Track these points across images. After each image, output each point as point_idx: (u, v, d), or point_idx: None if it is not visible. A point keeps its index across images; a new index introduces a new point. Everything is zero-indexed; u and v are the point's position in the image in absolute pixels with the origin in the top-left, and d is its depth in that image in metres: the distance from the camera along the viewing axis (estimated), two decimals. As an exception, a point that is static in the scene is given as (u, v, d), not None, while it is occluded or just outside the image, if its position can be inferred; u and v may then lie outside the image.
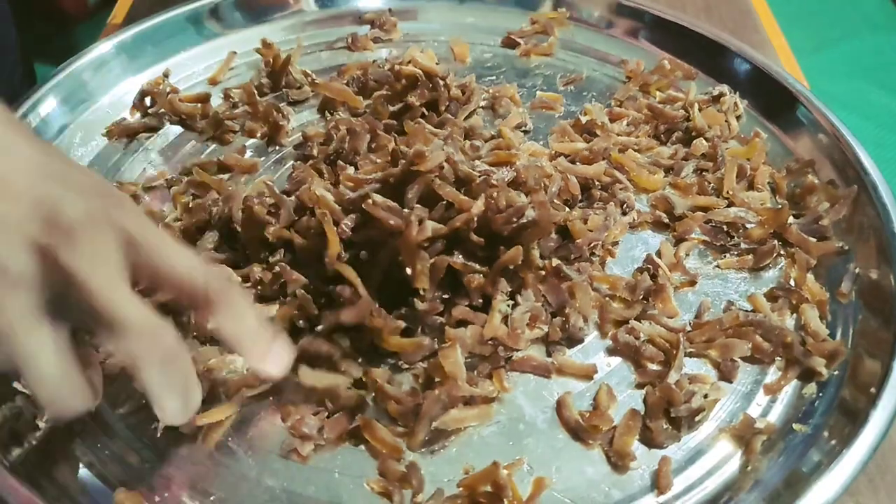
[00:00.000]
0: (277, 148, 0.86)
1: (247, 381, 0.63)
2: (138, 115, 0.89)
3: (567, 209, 0.74)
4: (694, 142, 0.86)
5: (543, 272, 0.69)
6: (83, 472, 0.58)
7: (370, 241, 0.65)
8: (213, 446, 0.60)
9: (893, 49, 1.46)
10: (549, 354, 0.68)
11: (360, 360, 0.64)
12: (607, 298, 0.70)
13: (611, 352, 0.68)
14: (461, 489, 0.58)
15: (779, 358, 0.68)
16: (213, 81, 0.95)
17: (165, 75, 0.92)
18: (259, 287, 0.68)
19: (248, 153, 0.86)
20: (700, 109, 0.89)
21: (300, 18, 1.05)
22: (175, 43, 0.96)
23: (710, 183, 0.82)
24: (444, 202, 0.64)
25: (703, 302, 0.72)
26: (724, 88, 0.92)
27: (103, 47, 0.91)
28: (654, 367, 0.67)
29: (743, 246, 0.77)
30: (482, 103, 0.92)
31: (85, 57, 0.89)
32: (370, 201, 0.62)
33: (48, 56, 0.88)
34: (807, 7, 1.49)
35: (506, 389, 0.64)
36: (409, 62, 0.91)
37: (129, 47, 0.93)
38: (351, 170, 0.72)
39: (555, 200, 0.73)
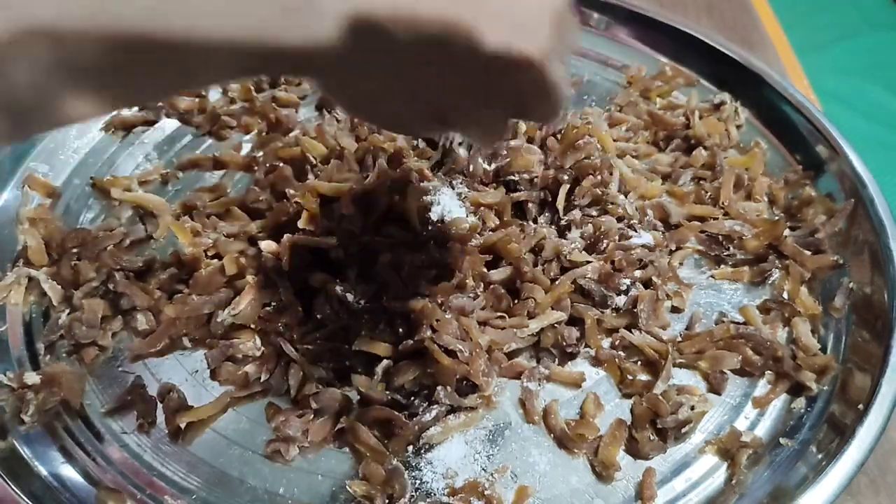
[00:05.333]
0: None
1: (237, 378, 0.63)
2: (135, 108, 0.89)
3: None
4: (693, 152, 0.85)
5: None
6: (66, 468, 0.58)
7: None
8: (195, 445, 0.60)
9: (894, 48, 1.45)
10: (538, 362, 0.67)
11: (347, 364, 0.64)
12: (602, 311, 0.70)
13: (597, 362, 0.68)
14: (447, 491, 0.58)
15: (769, 371, 0.68)
16: (212, 76, 0.94)
17: (164, 69, 0.92)
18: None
19: (245, 149, 0.86)
20: (701, 117, 0.88)
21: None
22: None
23: (707, 192, 0.81)
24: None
25: (695, 313, 0.72)
26: (725, 97, 0.91)
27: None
28: (641, 377, 0.66)
29: (739, 257, 0.76)
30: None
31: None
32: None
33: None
34: (807, 5, 1.48)
35: (492, 403, 0.64)
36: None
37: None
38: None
39: None
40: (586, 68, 1.01)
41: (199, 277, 0.69)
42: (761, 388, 0.67)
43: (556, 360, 0.67)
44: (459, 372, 0.61)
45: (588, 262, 0.71)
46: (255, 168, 0.81)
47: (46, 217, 0.74)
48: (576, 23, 0.45)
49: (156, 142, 0.86)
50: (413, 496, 0.58)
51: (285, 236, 0.69)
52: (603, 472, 0.60)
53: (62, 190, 0.79)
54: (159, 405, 0.62)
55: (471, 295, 0.66)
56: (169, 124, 0.88)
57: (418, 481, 0.59)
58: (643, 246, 0.73)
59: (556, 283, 0.70)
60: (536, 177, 0.77)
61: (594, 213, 0.76)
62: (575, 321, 0.69)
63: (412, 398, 0.62)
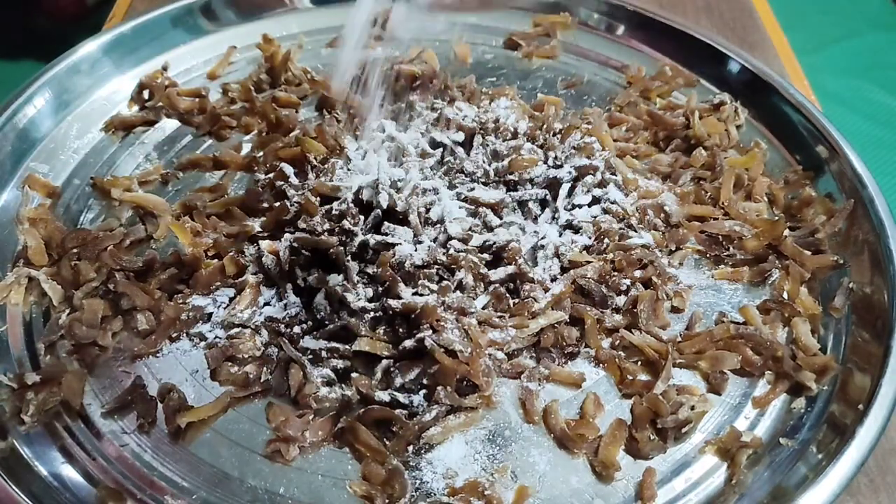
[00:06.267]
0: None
1: (237, 378, 0.63)
2: (136, 108, 0.89)
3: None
4: (693, 152, 0.85)
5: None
6: (66, 468, 0.58)
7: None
8: (195, 445, 0.60)
9: (894, 48, 1.45)
10: (538, 362, 0.67)
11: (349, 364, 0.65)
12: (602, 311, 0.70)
13: (597, 362, 0.68)
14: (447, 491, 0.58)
15: (769, 371, 0.67)
16: (212, 76, 0.94)
17: (164, 68, 0.92)
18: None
19: (245, 149, 0.85)
20: (700, 117, 0.88)
21: (302, 14, 1.04)
22: (174, 37, 0.96)
23: (707, 192, 0.81)
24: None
25: (695, 313, 0.72)
26: (725, 97, 0.91)
27: (99, 42, 0.90)
28: (641, 377, 0.66)
29: (739, 257, 0.76)
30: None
31: (80, 51, 0.88)
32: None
33: (47, 55, 0.88)
34: (807, 6, 1.48)
35: (492, 403, 0.64)
36: (409, 62, 0.91)
37: (127, 42, 0.92)
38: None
39: None
40: (586, 68, 1.01)
41: (199, 277, 0.69)
42: (761, 388, 0.67)
43: (556, 360, 0.67)
44: (459, 372, 0.61)
45: (588, 262, 0.71)
46: (255, 168, 0.81)
47: (46, 217, 0.74)
48: None
49: (156, 142, 0.86)
50: (413, 496, 0.58)
51: (285, 236, 0.69)
52: (603, 472, 0.60)
53: (62, 190, 0.79)
54: (159, 405, 0.62)
55: (471, 295, 0.66)
56: (169, 124, 0.88)
57: (418, 481, 0.59)
58: (643, 246, 0.73)
59: (556, 282, 0.70)
60: (537, 176, 0.77)
61: (594, 213, 0.76)
62: (575, 321, 0.69)
63: (412, 398, 0.62)
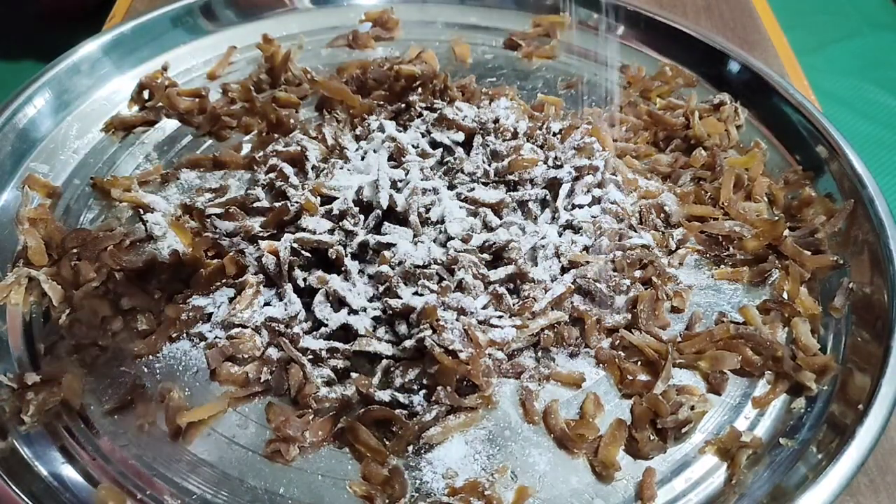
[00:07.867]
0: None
1: (237, 378, 0.63)
2: (136, 108, 0.89)
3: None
4: (693, 152, 0.85)
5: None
6: (66, 468, 0.58)
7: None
8: (195, 445, 0.60)
9: (894, 48, 1.45)
10: (538, 362, 0.67)
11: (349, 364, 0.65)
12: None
13: (597, 362, 0.68)
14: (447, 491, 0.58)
15: (769, 371, 0.67)
16: (212, 76, 0.94)
17: (164, 69, 0.92)
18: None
19: (245, 149, 0.85)
20: (700, 117, 0.88)
21: (302, 14, 1.04)
22: (174, 37, 0.96)
23: (707, 192, 0.81)
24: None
25: (695, 313, 0.72)
26: (725, 97, 0.91)
27: (99, 42, 0.90)
28: (641, 377, 0.66)
29: (739, 257, 0.76)
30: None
31: (80, 51, 0.88)
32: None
33: (47, 55, 0.88)
34: (807, 6, 1.49)
35: (492, 403, 0.64)
36: (409, 62, 0.91)
37: (127, 42, 0.92)
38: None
39: None
40: (586, 68, 1.01)
41: (199, 277, 0.69)
42: (761, 388, 0.67)
43: (557, 360, 0.67)
44: (460, 372, 0.61)
45: (588, 262, 0.71)
46: (255, 168, 0.81)
47: (46, 217, 0.74)
48: None
49: (156, 142, 0.86)
50: (413, 496, 0.58)
51: (285, 236, 0.69)
52: (603, 472, 0.60)
53: (62, 190, 0.79)
54: (159, 405, 0.62)
55: (471, 295, 0.66)
56: (169, 124, 0.88)
57: (418, 481, 0.59)
58: (643, 246, 0.73)
59: (556, 282, 0.70)
60: (537, 176, 0.77)
61: (594, 213, 0.76)
62: (575, 321, 0.69)
63: (412, 398, 0.62)
